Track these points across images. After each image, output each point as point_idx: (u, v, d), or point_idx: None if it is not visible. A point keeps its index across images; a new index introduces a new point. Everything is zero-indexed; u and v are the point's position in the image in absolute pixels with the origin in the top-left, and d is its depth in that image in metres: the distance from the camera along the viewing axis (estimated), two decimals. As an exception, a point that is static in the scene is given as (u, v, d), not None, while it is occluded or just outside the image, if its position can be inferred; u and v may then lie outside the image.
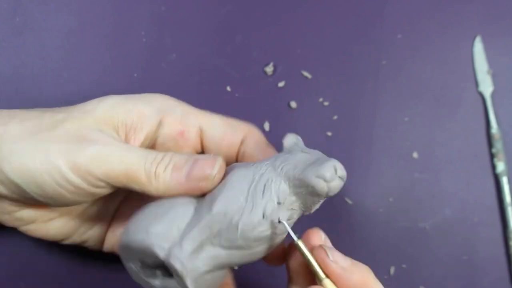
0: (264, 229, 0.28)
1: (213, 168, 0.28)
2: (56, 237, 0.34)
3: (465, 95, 0.43)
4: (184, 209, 0.28)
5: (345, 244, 0.41)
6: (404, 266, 0.41)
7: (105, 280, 0.40)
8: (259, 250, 0.28)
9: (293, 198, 0.28)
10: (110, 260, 0.40)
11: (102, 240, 0.36)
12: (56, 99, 0.41)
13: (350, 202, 0.41)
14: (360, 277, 0.28)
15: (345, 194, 0.41)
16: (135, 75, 0.42)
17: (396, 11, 0.43)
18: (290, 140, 0.30)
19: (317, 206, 0.29)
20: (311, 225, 0.41)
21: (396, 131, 0.42)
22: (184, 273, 0.27)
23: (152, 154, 0.29)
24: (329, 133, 0.42)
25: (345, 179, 0.28)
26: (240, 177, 0.28)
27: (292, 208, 0.29)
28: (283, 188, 0.28)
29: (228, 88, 0.42)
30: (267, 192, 0.28)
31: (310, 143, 0.42)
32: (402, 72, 0.43)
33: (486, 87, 0.42)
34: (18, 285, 0.39)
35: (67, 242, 0.34)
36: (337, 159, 0.42)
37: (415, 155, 0.42)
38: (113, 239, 0.35)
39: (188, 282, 0.27)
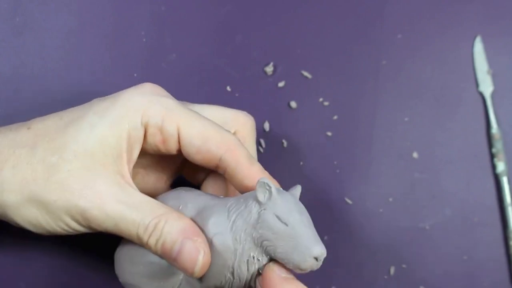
0: None
1: (195, 264, 0.29)
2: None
3: (465, 95, 0.43)
4: (174, 279, 0.31)
5: (345, 244, 0.41)
6: (404, 266, 0.41)
7: (105, 280, 0.40)
8: None
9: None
10: (111, 260, 0.40)
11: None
12: (56, 99, 0.41)
13: (350, 202, 0.41)
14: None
15: (345, 194, 0.41)
16: (135, 75, 0.42)
17: (396, 11, 0.43)
18: (261, 191, 0.29)
19: None
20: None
21: (396, 131, 0.42)
22: None
23: (145, 220, 0.29)
24: (329, 133, 0.42)
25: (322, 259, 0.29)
26: (222, 250, 0.29)
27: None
28: (264, 262, 0.29)
29: (228, 88, 0.42)
30: (251, 267, 0.29)
31: (310, 143, 0.42)
32: (402, 72, 0.43)
33: (486, 87, 0.42)
34: (18, 285, 0.39)
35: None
36: (337, 159, 0.42)
37: (415, 155, 0.42)
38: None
39: None
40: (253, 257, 0.29)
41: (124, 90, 0.32)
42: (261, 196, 0.28)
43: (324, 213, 0.41)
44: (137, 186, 0.31)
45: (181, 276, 0.31)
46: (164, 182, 0.37)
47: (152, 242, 0.29)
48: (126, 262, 0.32)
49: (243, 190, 0.32)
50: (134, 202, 0.30)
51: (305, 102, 0.42)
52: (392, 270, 0.41)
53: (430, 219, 0.41)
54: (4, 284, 0.39)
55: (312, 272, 0.41)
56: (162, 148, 0.33)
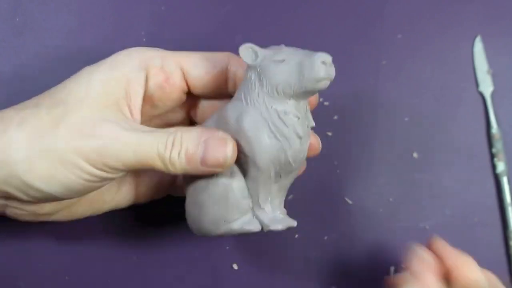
0: (306, 146, 0.31)
1: (226, 153, 0.29)
2: (85, 214, 0.34)
3: (465, 95, 0.43)
4: (238, 185, 0.31)
5: (345, 244, 0.41)
6: (404, 266, 0.41)
7: (105, 280, 0.40)
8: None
9: (301, 102, 0.30)
10: (111, 260, 0.40)
11: (133, 197, 0.36)
12: (56, 99, 0.41)
13: (350, 202, 0.41)
14: None
15: (345, 194, 0.41)
16: (135, 75, 0.42)
17: (396, 11, 0.43)
18: (246, 54, 0.30)
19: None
20: (312, 224, 0.41)
21: (396, 131, 0.42)
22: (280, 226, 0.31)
23: (161, 139, 0.29)
24: (329, 133, 0.42)
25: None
26: (253, 124, 0.29)
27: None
28: (291, 105, 0.30)
29: (228, 88, 0.42)
30: (286, 121, 0.29)
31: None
32: (402, 72, 0.43)
33: (486, 87, 0.42)
34: (18, 285, 0.39)
35: (98, 213, 0.35)
36: (337, 159, 0.42)
37: (415, 155, 0.42)
38: (144, 189, 0.36)
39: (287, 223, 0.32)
40: (281, 110, 0.29)
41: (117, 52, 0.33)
42: (248, 58, 0.29)
43: (324, 213, 0.41)
44: None
45: (242, 182, 0.31)
46: (158, 189, 0.37)
47: (174, 156, 0.29)
48: (195, 210, 0.31)
49: None
50: (146, 130, 0.30)
51: (305, 102, 0.42)
52: (392, 270, 0.41)
53: (430, 219, 0.41)
54: (4, 284, 0.39)
55: (312, 272, 0.41)
56: (167, 89, 0.33)
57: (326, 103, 0.42)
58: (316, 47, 0.43)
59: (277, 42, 0.43)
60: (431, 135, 0.42)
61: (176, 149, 0.29)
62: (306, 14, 0.43)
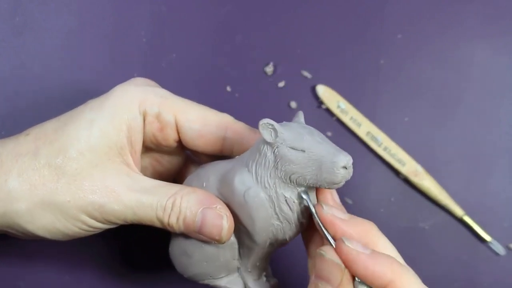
0: (305, 224, 0.30)
1: (220, 232, 0.29)
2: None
3: (465, 95, 0.43)
4: (231, 248, 0.31)
5: (345, 244, 0.41)
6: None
7: (105, 279, 0.40)
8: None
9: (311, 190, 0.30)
10: (111, 260, 0.40)
11: None
12: (56, 99, 0.41)
13: (350, 202, 0.41)
14: (361, 229, 0.28)
15: (345, 194, 0.41)
16: (135, 75, 0.42)
17: (396, 11, 0.43)
18: (266, 133, 0.29)
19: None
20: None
21: (396, 131, 0.42)
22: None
23: (161, 202, 0.29)
24: (329, 133, 0.42)
25: (351, 171, 0.29)
26: (260, 204, 0.29)
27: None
28: (301, 194, 0.29)
29: (228, 88, 0.42)
30: (293, 207, 0.29)
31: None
32: (402, 72, 0.43)
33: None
34: (18, 285, 0.39)
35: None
36: (337, 159, 0.42)
37: (415, 155, 0.42)
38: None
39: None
40: (290, 197, 0.29)
41: (117, 85, 0.32)
42: (268, 136, 0.28)
43: (324, 213, 0.41)
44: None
45: (236, 245, 0.31)
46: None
47: (173, 220, 0.29)
48: (182, 256, 0.32)
49: None
50: (147, 187, 0.30)
51: (305, 102, 0.42)
52: (392, 270, 0.41)
53: (430, 219, 0.41)
54: (4, 284, 0.39)
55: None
56: (160, 137, 0.33)
57: (324, 106, 0.42)
58: (316, 47, 0.43)
59: (277, 42, 0.43)
60: (431, 135, 0.42)
61: (175, 214, 0.29)
62: (306, 14, 0.43)
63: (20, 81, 0.41)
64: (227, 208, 0.29)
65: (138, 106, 0.31)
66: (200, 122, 0.32)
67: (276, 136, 0.28)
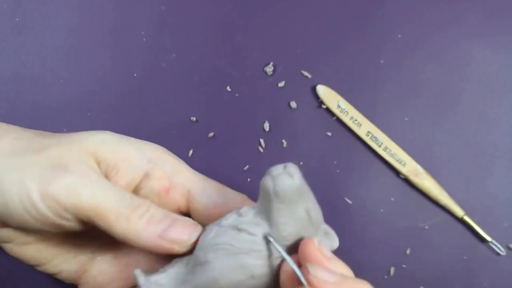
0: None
1: (190, 235, 0.27)
2: (30, 261, 0.32)
3: (465, 95, 0.43)
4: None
5: (345, 244, 0.41)
6: (404, 266, 0.41)
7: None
8: None
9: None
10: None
11: (78, 277, 0.33)
12: (56, 99, 0.41)
13: (350, 202, 0.41)
14: None
15: (345, 194, 0.41)
16: (135, 75, 0.42)
17: (396, 11, 0.43)
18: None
19: (281, 219, 0.27)
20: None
21: (396, 131, 0.42)
22: None
23: (128, 197, 0.28)
24: (329, 133, 0.42)
25: (295, 177, 0.26)
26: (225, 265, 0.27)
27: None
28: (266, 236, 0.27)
29: (228, 88, 0.42)
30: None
31: (310, 143, 0.42)
32: (402, 72, 0.43)
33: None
34: (18, 284, 0.39)
35: (40, 269, 0.33)
36: (337, 159, 0.42)
37: (415, 155, 0.42)
38: (91, 280, 0.33)
39: None
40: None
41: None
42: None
43: (324, 213, 0.41)
44: None
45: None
46: None
47: (134, 216, 0.27)
48: None
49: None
50: (119, 189, 0.28)
51: (305, 102, 0.42)
52: (392, 270, 0.41)
53: (430, 219, 0.41)
54: (4, 284, 0.39)
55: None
56: (163, 198, 0.31)
57: (324, 106, 0.42)
58: (316, 47, 0.43)
59: (277, 42, 0.43)
60: (431, 135, 0.42)
61: (140, 211, 0.27)
62: (306, 14, 0.43)
63: (20, 81, 0.41)
64: (199, 226, 0.28)
65: (150, 154, 0.30)
66: (216, 195, 0.30)
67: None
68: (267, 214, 0.27)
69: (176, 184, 0.31)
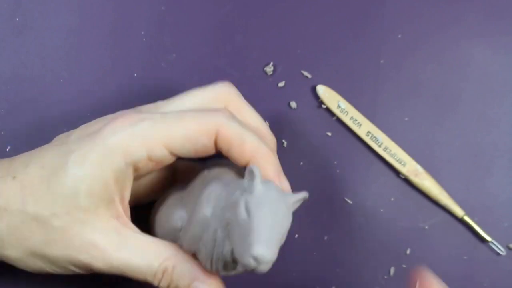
0: None
1: None
2: None
3: (465, 95, 0.43)
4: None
5: (345, 244, 0.41)
6: (404, 266, 0.41)
7: (105, 279, 0.40)
8: None
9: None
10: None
11: (132, 199, 0.34)
12: (56, 99, 0.41)
13: (350, 202, 0.41)
14: None
15: (345, 194, 0.41)
16: (135, 75, 0.42)
17: (396, 11, 0.43)
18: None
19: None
20: (312, 224, 0.41)
21: (396, 131, 0.42)
22: None
23: (152, 266, 0.29)
24: (329, 133, 0.42)
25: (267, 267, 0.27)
26: (201, 216, 0.29)
27: None
28: (227, 247, 0.28)
29: (228, 88, 0.42)
30: (214, 242, 0.28)
31: (310, 143, 0.42)
32: (402, 72, 0.43)
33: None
34: (18, 284, 0.39)
35: None
36: (337, 159, 0.42)
37: (415, 155, 0.42)
38: (144, 189, 0.36)
39: None
40: (219, 234, 0.28)
41: (101, 127, 0.31)
42: (245, 182, 0.28)
43: (324, 213, 0.41)
44: (143, 233, 0.31)
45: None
46: (158, 189, 0.37)
47: (164, 285, 0.29)
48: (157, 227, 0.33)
49: (240, 165, 0.31)
50: (136, 246, 0.30)
51: (305, 102, 0.42)
52: (392, 270, 0.41)
53: (430, 219, 0.41)
54: (4, 284, 0.39)
55: (312, 272, 0.41)
56: (159, 167, 0.32)
57: (324, 106, 0.42)
58: (316, 47, 0.43)
59: (277, 42, 0.43)
60: (431, 135, 0.42)
61: (166, 282, 0.29)
62: (306, 14, 0.43)
63: (20, 81, 0.41)
64: (221, 284, 0.29)
65: (124, 157, 0.30)
66: (189, 142, 0.31)
67: (251, 186, 0.28)
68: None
69: (158, 158, 0.31)
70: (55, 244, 0.29)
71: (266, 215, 0.27)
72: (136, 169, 0.31)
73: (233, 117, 0.32)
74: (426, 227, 0.41)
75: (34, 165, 0.30)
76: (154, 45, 0.42)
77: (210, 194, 0.29)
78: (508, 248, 0.41)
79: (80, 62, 0.42)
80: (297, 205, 0.30)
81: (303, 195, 0.29)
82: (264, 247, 0.26)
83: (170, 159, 0.32)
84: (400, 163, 0.41)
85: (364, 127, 0.41)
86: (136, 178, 0.33)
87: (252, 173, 0.27)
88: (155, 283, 0.29)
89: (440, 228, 0.41)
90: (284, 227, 0.28)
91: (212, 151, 0.32)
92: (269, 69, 0.42)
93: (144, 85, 0.42)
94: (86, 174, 0.29)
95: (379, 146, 0.41)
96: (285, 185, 0.32)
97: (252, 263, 0.26)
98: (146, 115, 0.31)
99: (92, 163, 0.29)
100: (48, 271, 0.31)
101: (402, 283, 0.41)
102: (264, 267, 0.26)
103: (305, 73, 0.42)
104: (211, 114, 0.31)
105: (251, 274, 0.29)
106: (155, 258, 0.29)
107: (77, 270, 0.30)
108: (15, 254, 0.30)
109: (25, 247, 0.30)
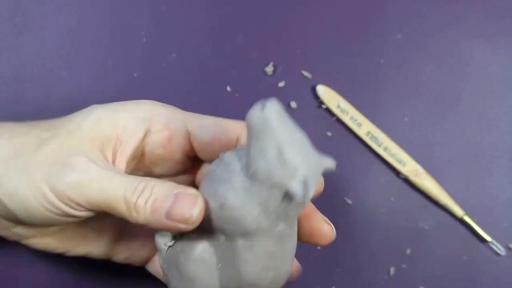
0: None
1: (192, 211, 0.27)
2: (58, 250, 0.33)
3: (465, 95, 0.43)
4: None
5: (345, 244, 0.41)
6: (404, 266, 0.41)
7: (105, 279, 0.40)
8: None
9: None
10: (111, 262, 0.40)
11: (110, 252, 0.34)
12: (56, 99, 0.41)
13: (350, 202, 0.41)
14: None
15: (345, 194, 0.41)
16: (135, 75, 0.42)
17: (396, 11, 0.43)
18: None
19: (250, 154, 0.26)
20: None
21: (396, 131, 0.42)
22: None
23: (132, 183, 0.28)
24: (329, 133, 0.42)
25: (266, 109, 0.25)
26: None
27: None
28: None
29: (228, 88, 0.42)
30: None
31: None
32: (402, 72, 0.43)
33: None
34: (18, 285, 0.39)
35: (70, 254, 0.33)
36: (337, 159, 0.42)
37: (415, 155, 0.42)
38: (125, 251, 0.34)
39: None
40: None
41: None
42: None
43: (324, 213, 0.41)
44: None
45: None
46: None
47: (141, 202, 0.27)
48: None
49: None
50: (120, 172, 0.29)
51: (305, 102, 0.42)
52: (392, 270, 0.41)
53: (430, 219, 0.41)
54: (4, 284, 0.39)
55: (312, 272, 0.41)
56: (167, 150, 0.32)
57: (324, 106, 0.42)
58: (316, 47, 0.43)
59: (277, 42, 0.43)
60: (431, 135, 0.42)
61: (145, 196, 0.28)
62: (306, 14, 0.43)
63: (20, 81, 0.41)
64: (201, 196, 0.28)
65: (144, 113, 0.31)
66: (214, 126, 0.31)
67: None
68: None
69: (176, 130, 0.31)
70: (43, 157, 0.28)
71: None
72: (149, 131, 0.31)
73: None
74: (426, 227, 0.41)
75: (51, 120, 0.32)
76: (154, 45, 0.42)
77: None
78: (508, 248, 0.41)
79: (80, 62, 0.42)
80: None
81: (331, 162, 0.28)
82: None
83: (183, 141, 0.32)
84: (400, 163, 0.41)
85: (364, 127, 0.41)
86: (145, 172, 0.33)
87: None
88: (133, 199, 0.28)
89: (440, 228, 0.41)
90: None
91: (229, 147, 0.32)
92: (269, 69, 0.42)
93: (144, 85, 0.42)
94: (101, 111, 0.30)
95: (379, 146, 0.41)
96: None
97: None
98: None
99: (112, 106, 0.31)
100: (19, 194, 0.28)
101: (402, 283, 0.41)
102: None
103: (305, 73, 0.42)
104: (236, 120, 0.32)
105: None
106: (135, 179, 0.28)
107: (47, 193, 0.28)
108: (1, 169, 0.28)
109: (15, 157, 0.28)
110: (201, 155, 0.32)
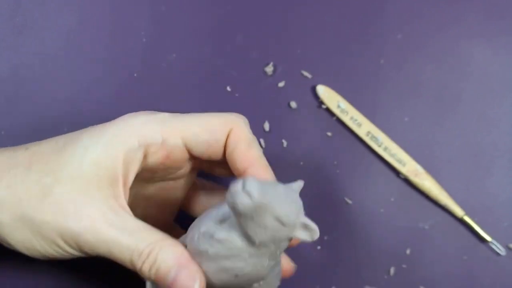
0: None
1: (194, 285, 0.28)
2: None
3: (465, 95, 0.43)
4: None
5: (345, 244, 0.41)
6: (404, 266, 0.41)
7: (105, 279, 0.40)
8: None
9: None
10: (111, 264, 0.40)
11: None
12: (56, 99, 0.41)
13: (350, 202, 0.41)
14: None
15: (345, 194, 0.41)
16: (135, 75, 0.42)
17: (396, 11, 0.43)
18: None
19: (250, 231, 0.27)
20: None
21: (396, 131, 0.42)
22: None
23: (138, 247, 0.29)
24: (329, 133, 0.42)
25: (253, 195, 0.25)
26: None
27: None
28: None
29: (228, 88, 0.42)
30: None
31: (310, 143, 0.42)
32: (402, 72, 0.43)
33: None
34: (18, 285, 0.39)
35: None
36: (337, 159, 0.42)
37: (415, 155, 0.42)
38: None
39: None
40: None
41: (119, 117, 0.32)
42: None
43: (324, 213, 0.41)
44: (138, 218, 0.31)
45: None
46: (167, 215, 0.37)
47: (146, 268, 0.29)
48: None
49: (237, 173, 0.32)
50: (128, 227, 0.29)
51: (305, 102, 0.42)
52: (392, 270, 0.41)
53: (430, 219, 0.41)
54: (4, 284, 0.39)
55: (312, 272, 0.41)
56: (169, 163, 0.32)
57: (324, 106, 0.42)
58: (316, 47, 0.43)
59: (277, 42, 0.43)
60: (431, 135, 0.42)
61: (149, 263, 0.29)
62: (306, 14, 0.43)
63: (19, 81, 0.41)
64: (202, 273, 0.29)
65: (138, 137, 0.31)
66: (205, 131, 0.32)
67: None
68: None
69: (172, 147, 0.32)
70: (49, 208, 0.29)
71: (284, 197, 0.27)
72: (146, 155, 0.31)
73: (247, 123, 0.33)
74: (426, 227, 0.41)
75: (48, 141, 0.31)
76: (154, 45, 0.42)
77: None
78: (508, 248, 0.41)
79: (80, 62, 0.42)
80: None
81: (299, 183, 0.30)
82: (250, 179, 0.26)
83: (181, 154, 0.32)
84: (400, 163, 0.41)
85: (364, 127, 0.41)
86: (144, 178, 0.33)
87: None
88: (139, 264, 0.29)
89: (440, 228, 0.41)
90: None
91: (220, 151, 0.32)
92: (269, 69, 0.42)
93: (144, 85, 0.42)
94: (98, 146, 0.30)
95: (379, 146, 0.41)
96: None
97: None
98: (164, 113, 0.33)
99: (106, 138, 0.30)
100: (33, 244, 0.30)
101: (402, 283, 0.41)
102: (246, 197, 0.25)
103: (305, 73, 0.42)
104: (228, 113, 0.33)
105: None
106: (144, 239, 0.29)
107: (61, 244, 0.29)
108: (7, 218, 0.29)
109: (18, 210, 0.29)
110: (201, 157, 0.33)
